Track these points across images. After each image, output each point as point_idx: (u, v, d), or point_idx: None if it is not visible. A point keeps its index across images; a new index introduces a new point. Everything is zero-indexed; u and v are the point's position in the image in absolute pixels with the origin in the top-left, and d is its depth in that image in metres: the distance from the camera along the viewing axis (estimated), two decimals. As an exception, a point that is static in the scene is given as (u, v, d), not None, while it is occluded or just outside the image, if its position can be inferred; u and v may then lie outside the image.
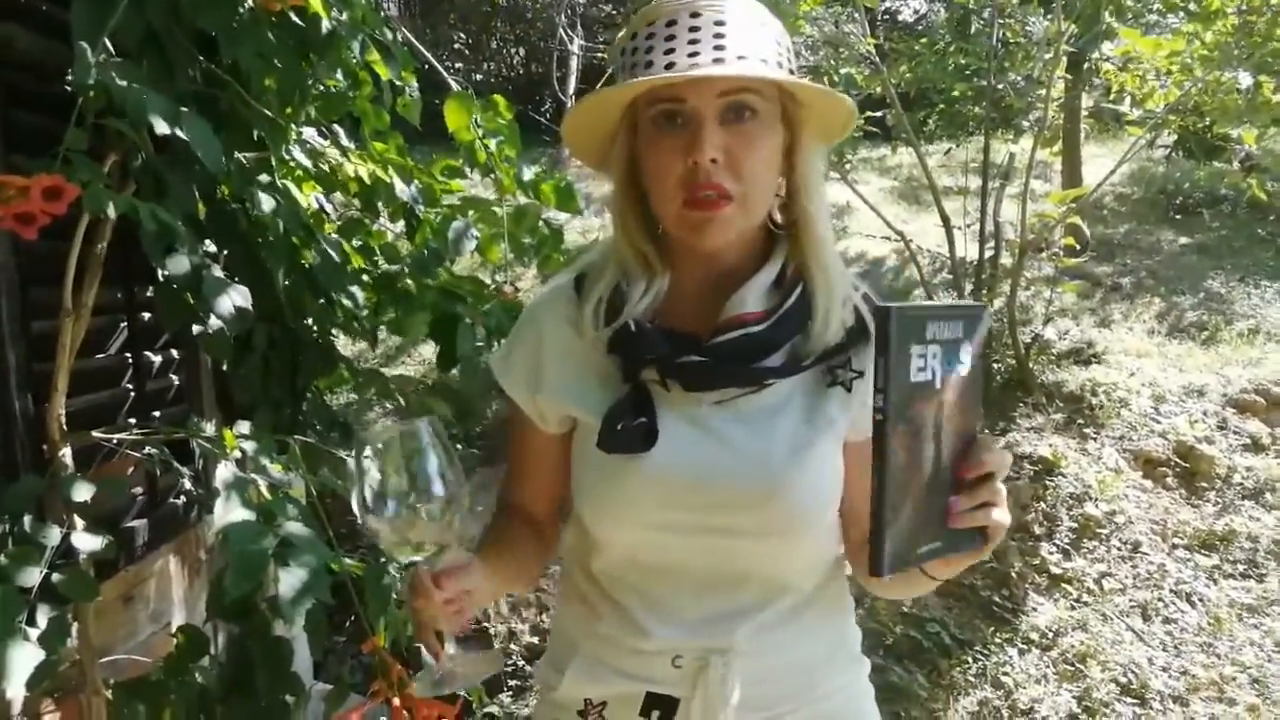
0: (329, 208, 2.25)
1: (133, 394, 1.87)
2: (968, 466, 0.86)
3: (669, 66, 0.95)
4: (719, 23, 0.96)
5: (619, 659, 1.09)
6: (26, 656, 1.22)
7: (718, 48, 0.95)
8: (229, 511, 1.27)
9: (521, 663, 3.39)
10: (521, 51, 11.60)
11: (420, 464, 0.90)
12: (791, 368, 1.03)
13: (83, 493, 1.39)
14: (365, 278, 2.23)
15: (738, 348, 1.01)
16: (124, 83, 1.22)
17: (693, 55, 0.95)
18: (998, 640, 3.46)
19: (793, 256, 1.06)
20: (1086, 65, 6.12)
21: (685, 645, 1.06)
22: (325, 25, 1.55)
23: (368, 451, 0.90)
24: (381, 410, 4.99)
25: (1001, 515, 0.87)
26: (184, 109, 1.30)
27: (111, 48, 1.30)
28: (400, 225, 2.27)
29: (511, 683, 3.30)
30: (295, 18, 1.58)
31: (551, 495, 1.18)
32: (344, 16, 1.58)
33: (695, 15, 0.96)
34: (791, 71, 1.01)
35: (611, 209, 1.09)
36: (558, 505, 1.19)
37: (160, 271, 1.48)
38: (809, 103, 1.02)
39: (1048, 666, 3.38)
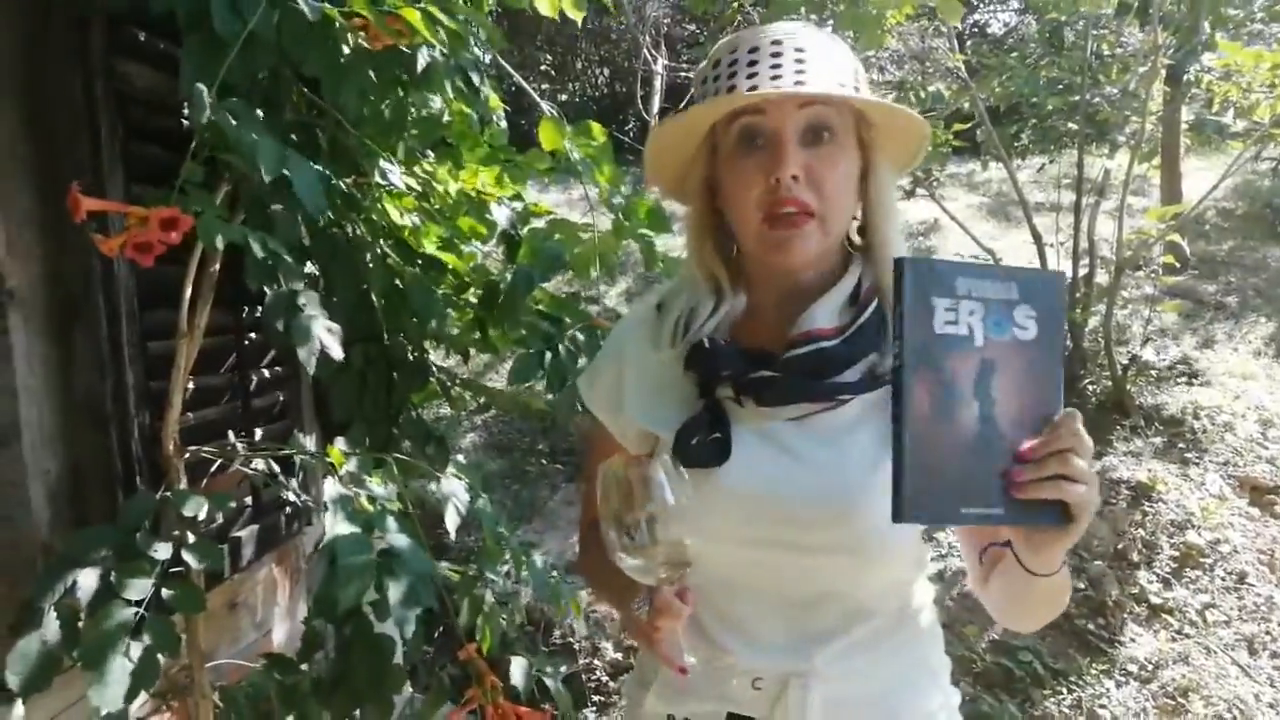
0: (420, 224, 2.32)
1: (240, 410, 1.96)
2: (1034, 443, 0.84)
3: (751, 89, 0.99)
4: (799, 49, 1.00)
5: (701, 677, 1.09)
6: (122, 676, 1.27)
7: (799, 71, 0.99)
8: (335, 525, 1.33)
9: (605, 678, 3.41)
10: (606, 72, 11.75)
11: (658, 491, 0.93)
12: (866, 384, 1.03)
13: (194, 508, 1.46)
14: (458, 297, 2.30)
15: (810, 362, 1.02)
16: (235, 122, 1.29)
17: (775, 77, 0.98)
18: (1094, 671, 3.35)
19: (867, 276, 1.08)
20: (1186, 77, 5.92)
21: (765, 667, 1.07)
22: (422, 60, 1.61)
23: (614, 484, 0.95)
24: (471, 425, 5.09)
25: (1079, 491, 0.83)
26: (290, 152, 1.37)
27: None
28: (483, 246, 2.33)
29: (595, 698, 3.33)
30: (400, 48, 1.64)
31: None
32: (436, 53, 1.63)
33: (777, 43, 1.01)
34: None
35: (687, 231, 1.12)
36: None
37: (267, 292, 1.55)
38: (882, 126, 1.05)
39: (1147, 700, 3.26)
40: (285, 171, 1.34)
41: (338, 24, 1.47)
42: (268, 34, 1.37)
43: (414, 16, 1.54)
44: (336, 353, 1.51)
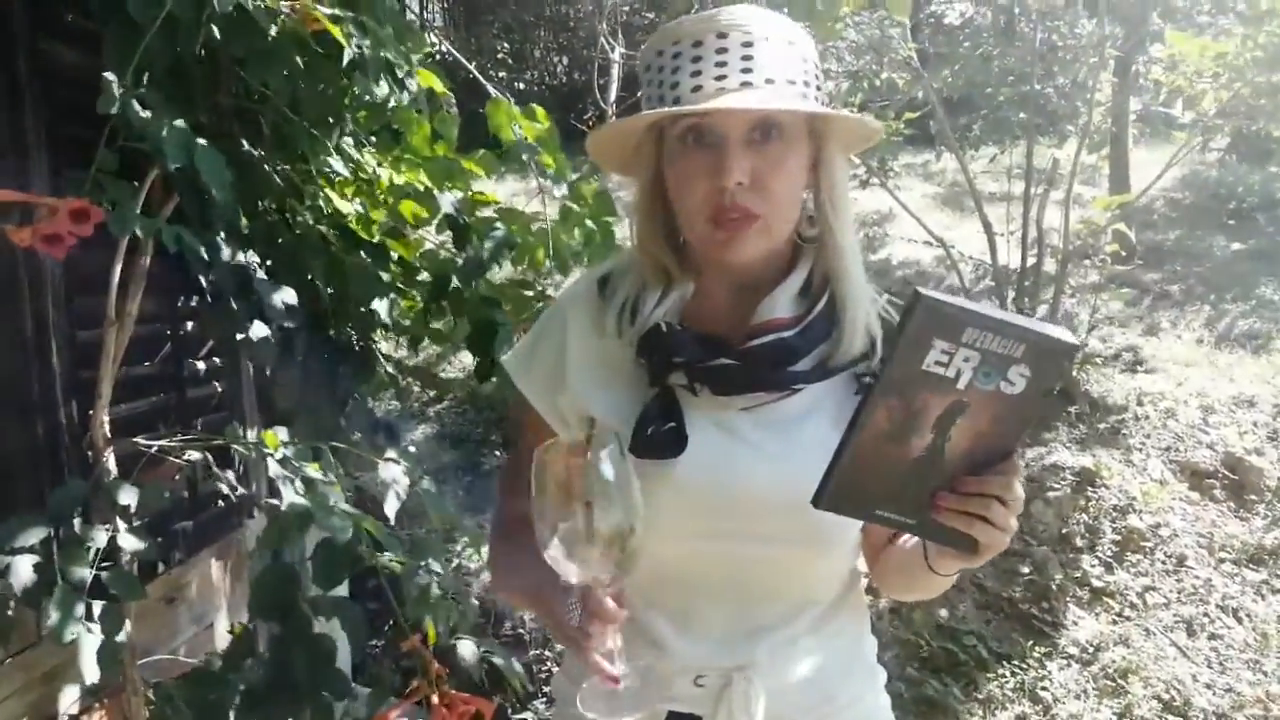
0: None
1: (175, 401, 1.92)
2: (971, 480, 0.86)
3: (696, 90, 0.95)
4: (746, 44, 0.96)
5: (639, 679, 1.08)
6: (91, 643, 1.26)
7: (745, 70, 0.95)
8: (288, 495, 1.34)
9: (556, 669, 3.41)
10: (564, 60, 11.66)
11: (602, 481, 0.87)
12: (821, 373, 1.02)
13: (126, 497, 1.44)
14: (403, 285, 2.27)
15: (770, 352, 1.01)
16: (146, 112, 1.27)
17: (720, 79, 0.94)
18: (1036, 654, 3.41)
19: (818, 266, 1.06)
20: (1134, 68, 6.01)
21: (707, 664, 1.05)
22: (349, 53, 1.58)
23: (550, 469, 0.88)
24: (423, 417, 5.05)
25: (989, 534, 0.87)
26: (200, 141, 1.34)
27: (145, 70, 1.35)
28: (438, 235, 2.31)
29: (546, 689, 3.32)
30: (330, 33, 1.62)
31: None
32: (367, 43, 1.61)
33: (722, 36, 0.96)
34: (819, 88, 1.01)
35: (633, 217, 1.08)
36: None
37: (205, 280, 1.52)
38: (835, 117, 1.02)
39: (1088, 682, 3.32)
40: (195, 160, 1.32)
41: (263, 5, 1.44)
42: (189, 16, 1.34)
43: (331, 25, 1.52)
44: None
